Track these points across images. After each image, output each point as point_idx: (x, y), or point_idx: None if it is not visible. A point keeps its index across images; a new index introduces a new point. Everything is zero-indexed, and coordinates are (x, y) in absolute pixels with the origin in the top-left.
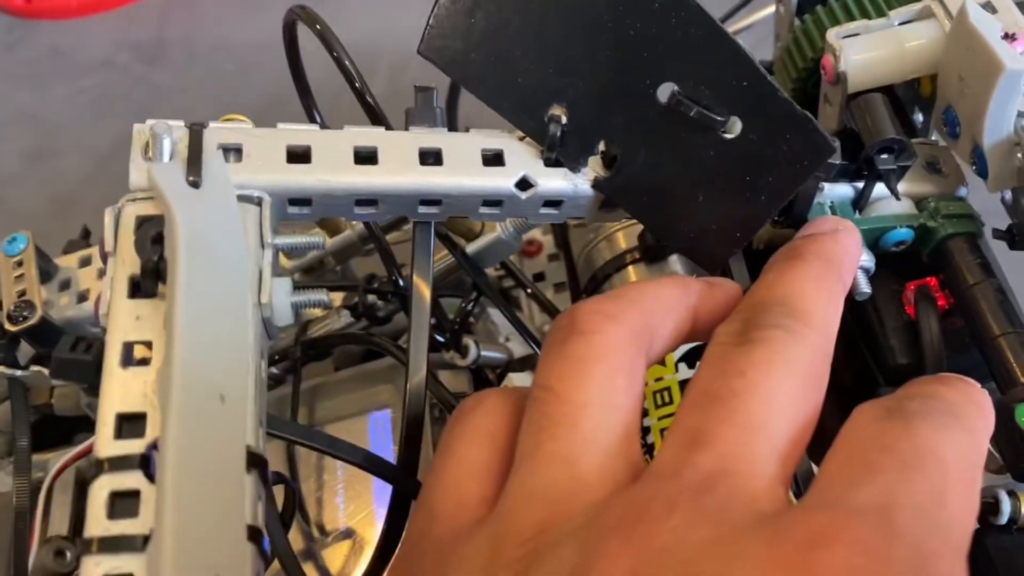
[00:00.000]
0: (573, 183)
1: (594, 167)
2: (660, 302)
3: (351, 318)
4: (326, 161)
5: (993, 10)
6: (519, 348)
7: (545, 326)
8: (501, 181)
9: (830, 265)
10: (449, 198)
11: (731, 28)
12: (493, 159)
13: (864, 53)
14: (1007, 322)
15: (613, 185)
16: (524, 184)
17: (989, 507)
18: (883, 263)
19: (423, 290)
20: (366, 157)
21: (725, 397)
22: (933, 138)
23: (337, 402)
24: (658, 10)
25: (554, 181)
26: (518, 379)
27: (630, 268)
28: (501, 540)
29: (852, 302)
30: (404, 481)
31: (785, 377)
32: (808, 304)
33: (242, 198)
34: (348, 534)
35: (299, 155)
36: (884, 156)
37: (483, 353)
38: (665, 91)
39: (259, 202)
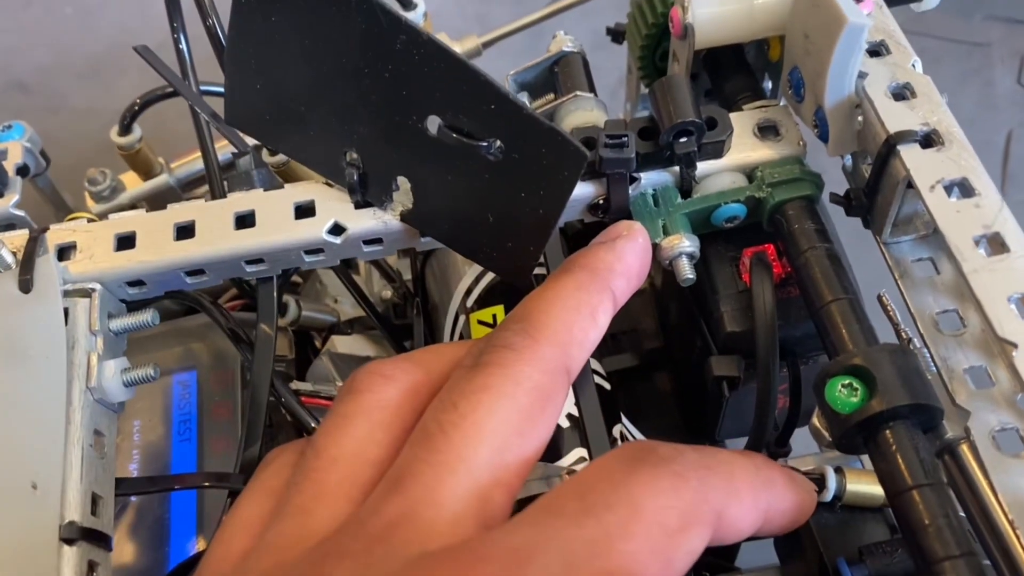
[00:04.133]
0: (383, 220)
1: (403, 201)
2: (443, 358)
3: None
4: (149, 243)
5: None
6: (350, 310)
7: (384, 291)
8: (313, 231)
9: (595, 274)
10: (269, 255)
11: None
12: (305, 211)
13: (712, 7)
14: (839, 288)
15: (416, 216)
16: (336, 230)
17: (816, 483)
18: (729, 236)
19: (267, 342)
20: (186, 230)
21: (434, 433)
22: (782, 104)
23: (145, 358)
24: (400, 50)
25: (364, 222)
26: (341, 343)
27: None
28: None
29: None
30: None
31: (499, 403)
32: (546, 318)
33: (75, 292)
34: None
35: (126, 240)
36: (683, 140)
37: (305, 313)
38: (433, 123)
39: (90, 293)
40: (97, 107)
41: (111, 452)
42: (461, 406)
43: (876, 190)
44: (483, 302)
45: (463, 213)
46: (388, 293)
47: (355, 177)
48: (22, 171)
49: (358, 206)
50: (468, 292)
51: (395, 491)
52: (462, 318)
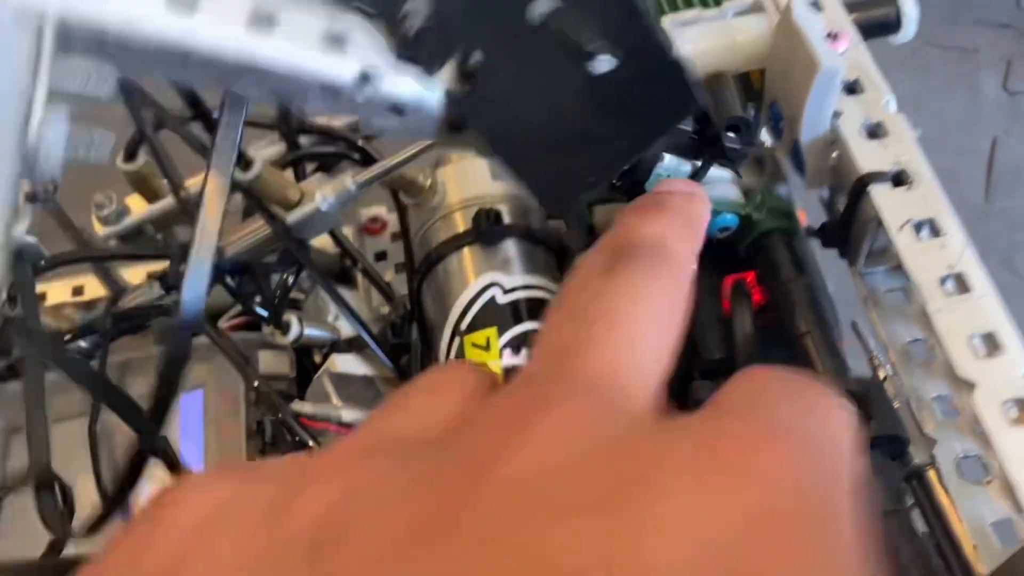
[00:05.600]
0: (422, 88)
1: (448, 79)
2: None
3: (162, 290)
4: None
5: (819, 8)
6: (350, 328)
7: (383, 307)
8: (335, 68)
9: (689, 220)
10: (275, 75)
11: None
12: (335, 40)
13: (696, 43)
14: (813, 321)
15: (468, 102)
16: (365, 78)
17: None
18: (704, 253)
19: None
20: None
21: (596, 315)
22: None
23: (148, 379)
24: None
25: (402, 81)
26: (340, 362)
27: (465, 250)
28: None
29: None
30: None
31: (655, 300)
32: (675, 245)
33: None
34: None
35: None
36: (731, 135)
37: (306, 331)
38: (542, 6)
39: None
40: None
41: None
42: (622, 296)
43: (850, 225)
44: (476, 325)
45: (527, 117)
46: (386, 309)
47: (415, 27)
48: (31, 198)
49: (400, 57)
50: (463, 313)
51: (578, 356)
52: (457, 339)
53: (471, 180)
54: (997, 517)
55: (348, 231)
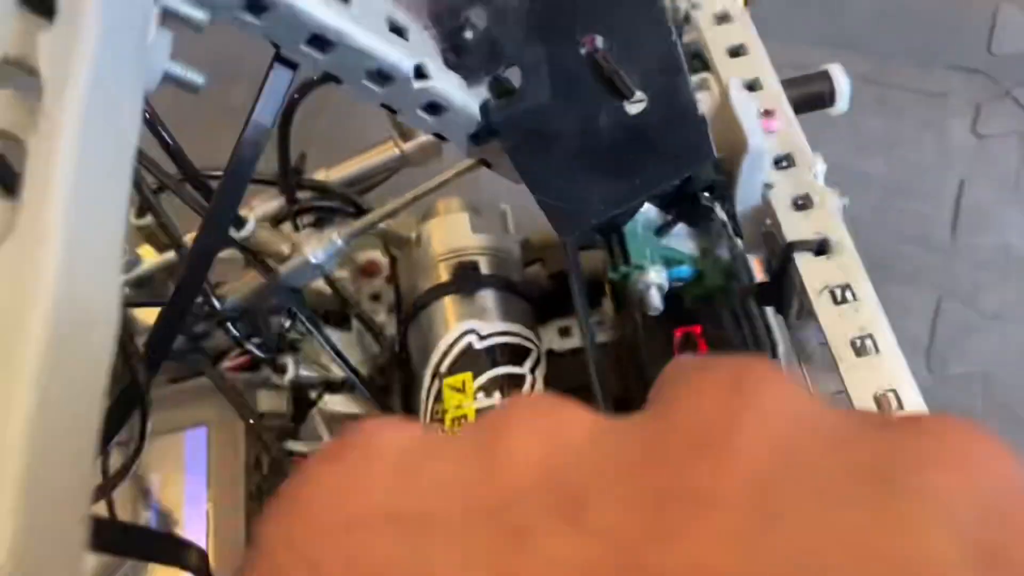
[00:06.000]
0: (464, 94)
1: (487, 91)
2: None
3: None
4: None
5: (757, 87)
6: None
7: (375, 347)
8: (399, 55)
9: None
10: (343, 49)
11: None
12: (397, 30)
13: None
14: None
15: (503, 115)
16: (420, 72)
17: None
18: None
19: None
20: None
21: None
22: None
23: (156, 419)
24: None
25: (449, 82)
26: (332, 401)
27: (446, 298)
28: None
29: (632, 338)
30: None
31: None
32: None
33: None
34: None
35: None
36: (707, 195)
37: (302, 372)
38: (595, 41)
39: None
40: None
41: None
42: None
43: (780, 286)
44: (454, 368)
45: (556, 138)
46: (377, 350)
47: (470, 36)
48: None
49: (446, 62)
50: (443, 357)
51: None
52: (437, 381)
53: (453, 233)
54: None
55: (345, 273)
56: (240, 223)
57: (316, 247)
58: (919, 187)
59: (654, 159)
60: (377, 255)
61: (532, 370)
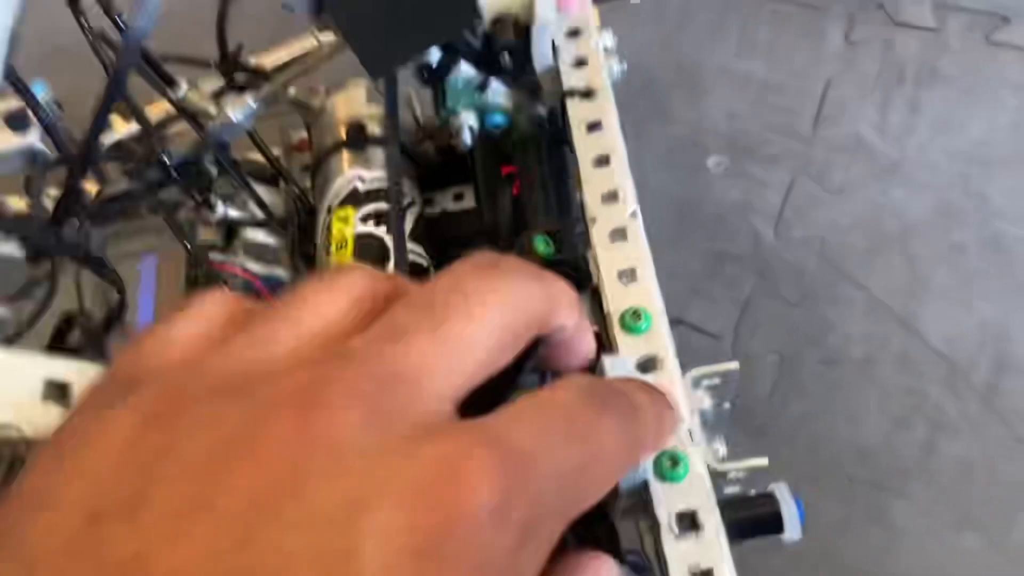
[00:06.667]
0: None
1: None
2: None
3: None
4: None
5: None
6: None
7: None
8: None
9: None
10: None
11: None
12: None
13: None
14: (543, 209)
15: None
16: None
17: None
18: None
19: None
20: None
21: (439, 306)
22: None
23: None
24: None
25: None
26: (254, 232)
27: (344, 152)
28: None
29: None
30: None
31: (503, 310)
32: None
33: None
34: None
35: None
36: (506, 57)
37: (230, 212)
38: None
39: None
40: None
41: None
42: (472, 297)
43: (564, 124)
44: (343, 204)
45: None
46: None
47: None
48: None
49: None
50: (336, 195)
51: (397, 341)
52: (329, 215)
53: (352, 103)
54: None
55: (279, 151)
56: (174, 87)
57: (236, 108)
58: (791, 85)
59: (434, 18)
60: (304, 135)
61: (404, 209)
